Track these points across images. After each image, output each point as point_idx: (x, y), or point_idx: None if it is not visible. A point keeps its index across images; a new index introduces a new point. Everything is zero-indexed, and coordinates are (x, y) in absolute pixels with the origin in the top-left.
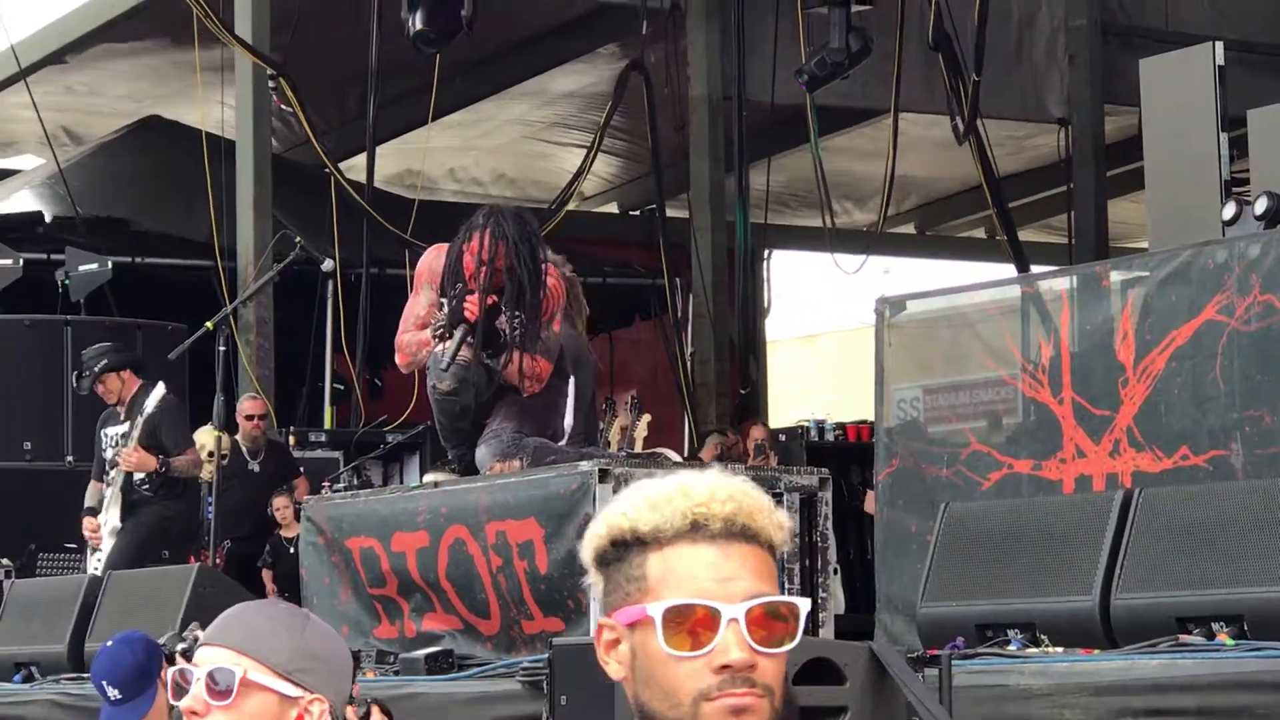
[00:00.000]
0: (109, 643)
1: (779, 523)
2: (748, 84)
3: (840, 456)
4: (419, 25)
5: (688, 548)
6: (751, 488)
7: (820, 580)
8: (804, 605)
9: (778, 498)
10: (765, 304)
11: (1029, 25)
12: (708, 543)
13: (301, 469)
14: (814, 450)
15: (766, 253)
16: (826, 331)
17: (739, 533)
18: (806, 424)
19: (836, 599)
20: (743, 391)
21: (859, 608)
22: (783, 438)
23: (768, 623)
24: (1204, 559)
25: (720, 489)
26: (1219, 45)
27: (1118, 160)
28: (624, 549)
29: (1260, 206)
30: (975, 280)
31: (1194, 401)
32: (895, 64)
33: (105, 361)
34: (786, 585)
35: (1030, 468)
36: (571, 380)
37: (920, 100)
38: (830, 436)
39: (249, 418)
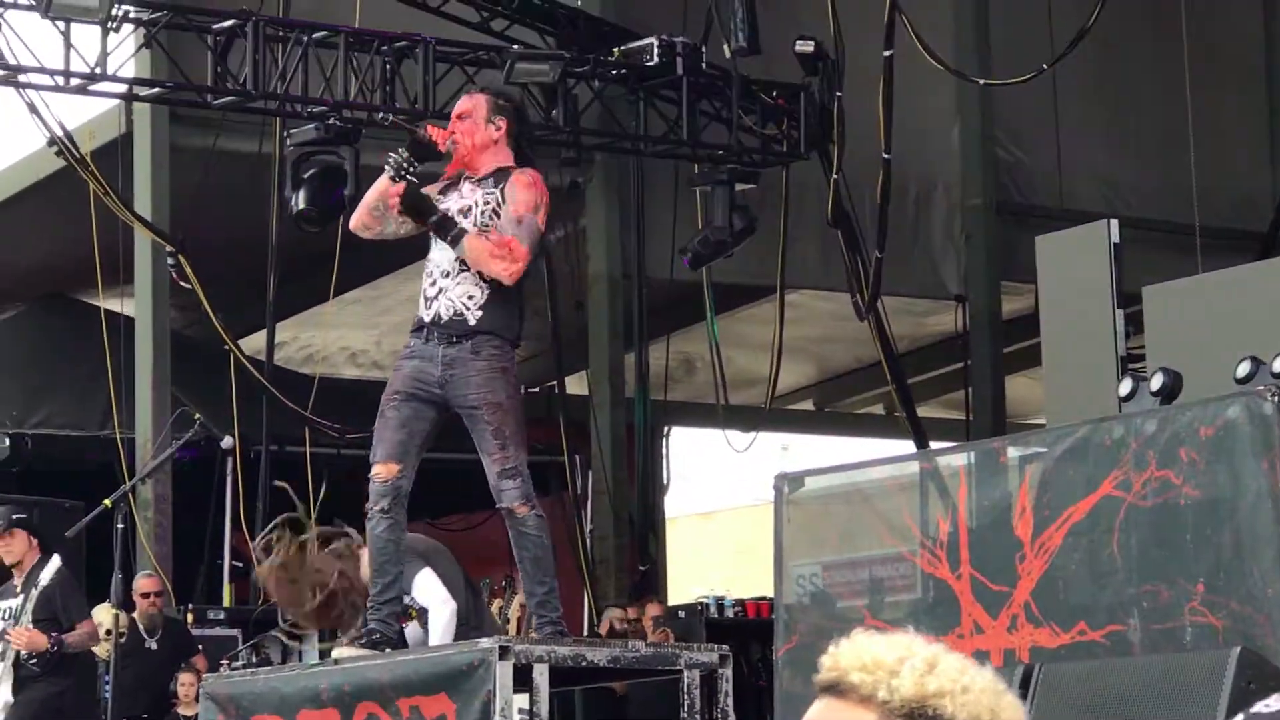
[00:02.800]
0: None
1: (882, 677)
2: (647, 261)
3: (740, 633)
4: (300, 205)
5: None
6: (882, 646)
7: None
8: None
9: (677, 674)
10: (664, 480)
11: (925, 203)
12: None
13: (200, 647)
14: (714, 626)
15: (665, 429)
16: (725, 508)
17: (829, 688)
18: (706, 600)
19: None
20: (642, 568)
21: None
22: (683, 614)
23: None
24: None
25: (845, 647)
26: (1114, 223)
27: (1015, 337)
28: None
29: (1156, 383)
30: (874, 456)
31: (1091, 577)
32: (781, 242)
33: (23, 517)
34: None
35: None
36: (428, 571)
37: (818, 276)
38: (730, 613)
39: (145, 595)
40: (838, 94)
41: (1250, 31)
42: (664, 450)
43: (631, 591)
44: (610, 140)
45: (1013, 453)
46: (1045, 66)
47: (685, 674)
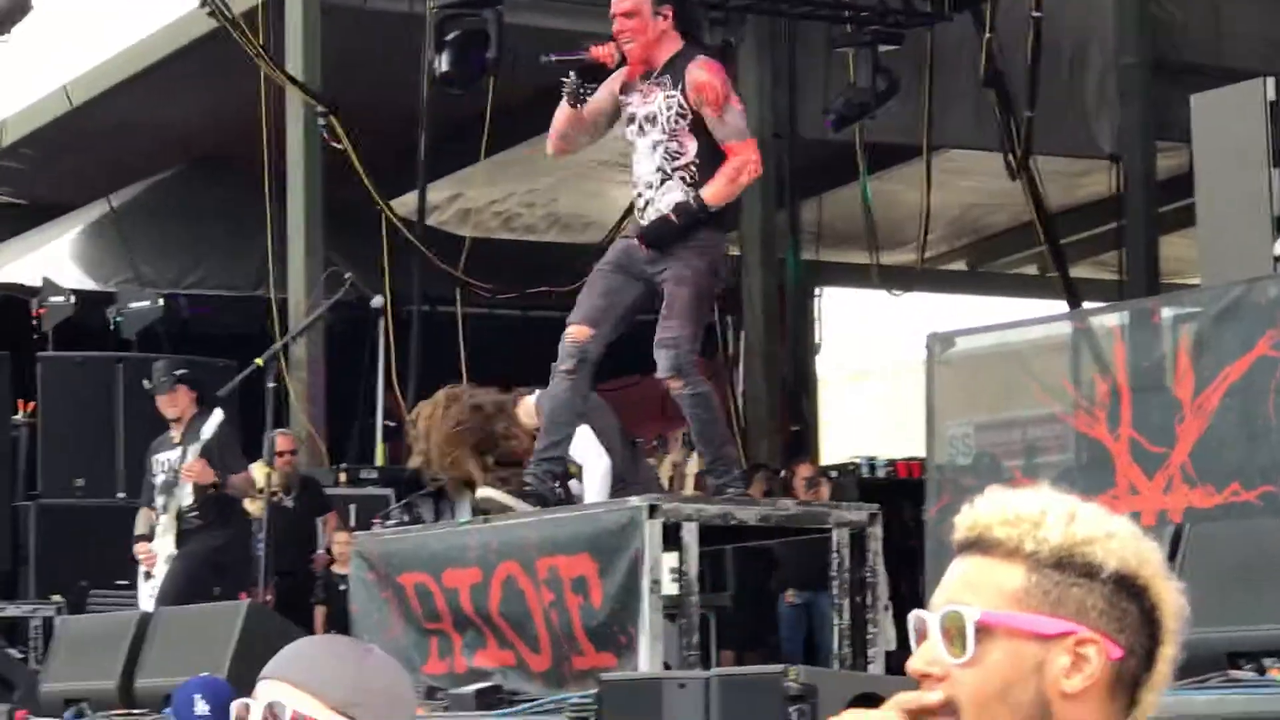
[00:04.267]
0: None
1: (1027, 529)
2: (799, 122)
3: (892, 493)
4: (444, 67)
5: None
6: (1022, 499)
7: (871, 616)
8: (970, 615)
9: (826, 533)
10: (816, 342)
11: (1080, 63)
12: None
13: (332, 506)
14: (866, 487)
15: (817, 290)
16: (879, 369)
17: (971, 545)
18: (858, 461)
19: (888, 635)
20: (794, 429)
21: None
22: (835, 474)
23: (927, 637)
24: (1254, 595)
25: (982, 503)
26: (1270, 81)
27: (1169, 197)
28: None
29: None
30: (1026, 317)
31: (1246, 437)
32: (926, 101)
33: (186, 372)
34: (836, 622)
35: None
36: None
37: (971, 137)
38: (882, 473)
39: (280, 454)
40: None
41: None
42: (816, 310)
43: (784, 452)
44: (761, 0)
45: (1167, 313)
46: None
47: (834, 532)
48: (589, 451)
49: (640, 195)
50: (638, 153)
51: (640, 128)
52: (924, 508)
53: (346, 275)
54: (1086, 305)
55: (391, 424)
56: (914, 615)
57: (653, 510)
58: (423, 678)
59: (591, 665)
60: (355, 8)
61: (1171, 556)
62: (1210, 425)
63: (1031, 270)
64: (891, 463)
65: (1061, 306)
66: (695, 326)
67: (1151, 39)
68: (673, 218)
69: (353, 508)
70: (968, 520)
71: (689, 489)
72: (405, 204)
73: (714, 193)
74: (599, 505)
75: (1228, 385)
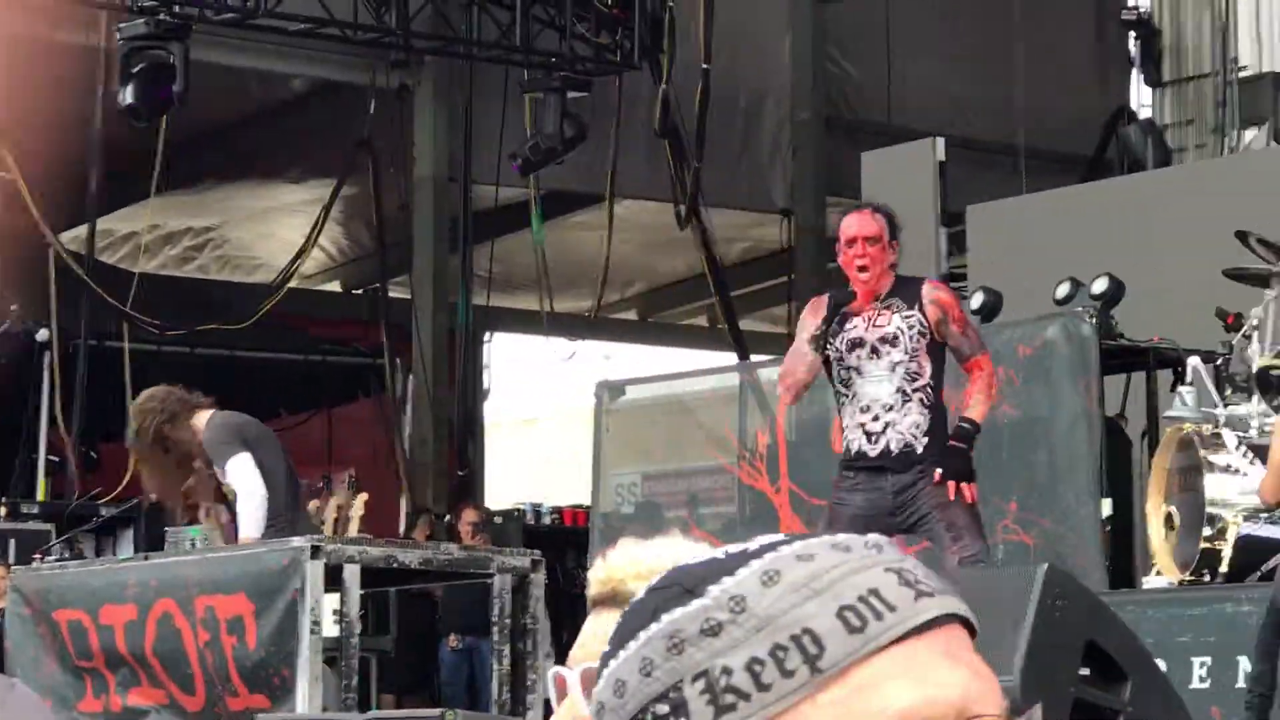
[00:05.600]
0: None
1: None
2: (474, 167)
3: (557, 540)
4: (129, 99)
5: None
6: (653, 552)
7: (531, 663)
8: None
9: (488, 579)
10: (485, 386)
11: (755, 117)
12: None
13: None
14: (530, 533)
15: (487, 335)
16: (548, 415)
17: (606, 600)
18: (523, 507)
19: (548, 683)
20: (460, 473)
21: None
22: (499, 519)
23: (567, 694)
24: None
25: (614, 557)
26: (940, 141)
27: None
28: None
29: (976, 301)
30: (696, 368)
31: None
32: (612, 150)
33: None
34: (496, 668)
35: None
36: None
37: (645, 186)
38: (547, 520)
39: None
40: (669, 3)
41: None
42: (486, 356)
43: (450, 496)
44: (442, 44)
45: None
46: None
47: (496, 578)
48: (245, 483)
49: (877, 418)
50: (864, 378)
51: (873, 351)
52: (587, 556)
53: (12, 307)
54: (755, 358)
55: (55, 459)
56: (553, 672)
57: (315, 551)
58: (76, 716)
59: (245, 706)
60: (33, 37)
61: None
62: None
63: (702, 321)
64: (557, 510)
65: (732, 358)
66: (982, 539)
67: (826, 95)
68: (962, 445)
69: (12, 542)
70: (600, 575)
71: (353, 531)
72: (77, 237)
73: (980, 413)
74: (261, 545)
75: None
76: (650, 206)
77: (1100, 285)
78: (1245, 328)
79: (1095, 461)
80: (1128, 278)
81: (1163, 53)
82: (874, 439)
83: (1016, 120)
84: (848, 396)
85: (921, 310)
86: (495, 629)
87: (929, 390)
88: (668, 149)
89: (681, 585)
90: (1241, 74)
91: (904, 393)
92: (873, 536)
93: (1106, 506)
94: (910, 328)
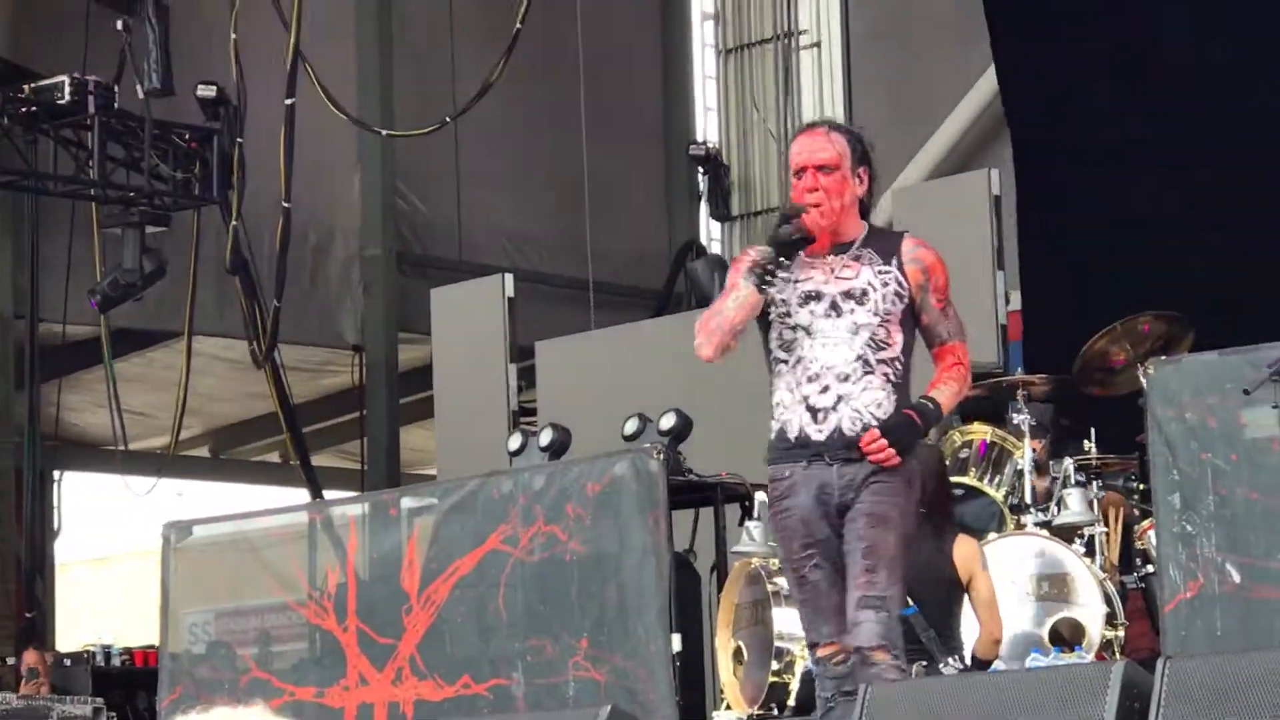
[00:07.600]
0: None
1: None
2: (43, 303)
3: (128, 681)
4: None
5: None
6: None
7: None
8: None
9: None
10: (55, 525)
11: (324, 252)
12: None
13: None
14: (101, 675)
15: (58, 473)
16: (123, 553)
17: None
18: (93, 648)
19: None
20: (29, 614)
21: None
22: (68, 662)
23: None
24: None
25: None
26: (509, 276)
27: (411, 388)
28: None
29: (545, 438)
30: (270, 505)
31: (477, 631)
32: (191, 286)
33: None
34: None
35: (314, 695)
36: None
37: (215, 323)
38: (117, 661)
39: None
40: (239, 140)
41: (648, 91)
42: (56, 495)
43: (17, 640)
44: (15, 178)
45: (405, 504)
46: (448, 119)
47: None
48: None
49: (827, 388)
50: (815, 339)
51: (832, 306)
52: (157, 698)
53: None
54: (329, 494)
55: None
56: None
57: None
58: None
59: None
60: None
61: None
62: (439, 617)
63: (274, 458)
64: (128, 651)
65: (305, 495)
66: (902, 586)
67: (396, 231)
68: (917, 421)
69: None
70: None
71: None
72: None
73: (948, 400)
74: None
75: (457, 578)
76: (222, 343)
77: (668, 421)
78: None
79: (664, 597)
80: (695, 413)
81: (732, 187)
82: (821, 416)
83: (586, 255)
84: (788, 363)
85: (900, 268)
86: None
87: (897, 365)
88: (239, 285)
89: None
90: None
91: (866, 362)
92: None
93: (676, 641)
94: (885, 284)
